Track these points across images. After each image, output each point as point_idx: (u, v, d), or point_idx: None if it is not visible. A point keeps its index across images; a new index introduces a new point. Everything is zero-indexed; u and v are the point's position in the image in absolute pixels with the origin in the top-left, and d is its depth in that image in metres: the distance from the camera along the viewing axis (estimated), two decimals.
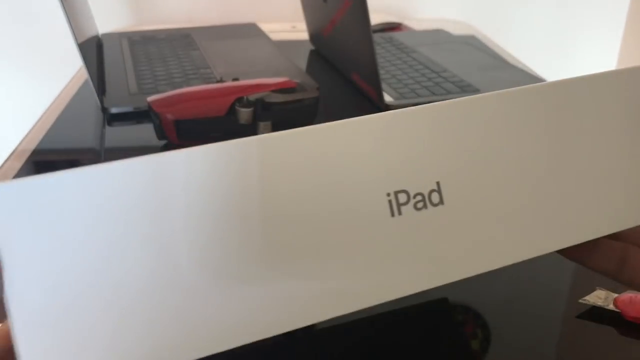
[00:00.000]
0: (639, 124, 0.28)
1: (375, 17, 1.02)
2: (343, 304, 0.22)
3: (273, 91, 0.61)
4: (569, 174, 0.26)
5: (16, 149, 0.64)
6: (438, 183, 0.23)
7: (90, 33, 0.84)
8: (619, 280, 0.31)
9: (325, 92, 0.77)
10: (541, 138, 0.26)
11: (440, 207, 0.23)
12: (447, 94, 0.73)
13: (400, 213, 0.23)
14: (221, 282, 0.21)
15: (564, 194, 0.26)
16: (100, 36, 0.98)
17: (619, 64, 1.29)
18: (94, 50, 0.84)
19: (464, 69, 0.82)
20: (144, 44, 0.94)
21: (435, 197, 0.23)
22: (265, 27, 1.06)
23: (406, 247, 0.23)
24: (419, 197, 0.23)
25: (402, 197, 0.23)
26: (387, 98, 0.71)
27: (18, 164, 0.61)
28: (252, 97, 0.60)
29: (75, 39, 0.67)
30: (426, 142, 0.23)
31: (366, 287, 0.23)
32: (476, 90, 0.74)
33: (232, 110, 0.59)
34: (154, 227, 0.20)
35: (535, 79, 0.79)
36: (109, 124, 0.69)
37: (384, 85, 0.75)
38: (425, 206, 0.23)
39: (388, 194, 0.22)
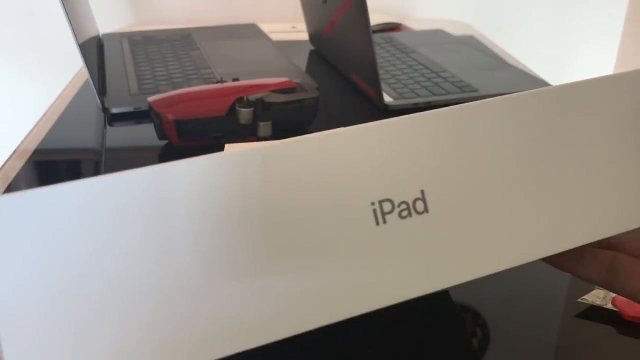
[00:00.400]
0: (637, 128, 0.27)
1: (375, 18, 1.02)
2: (329, 313, 0.22)
3: (273, 91, 0.62)
4: (561, 179, 0.26)
5: (17, 148, 0.65)
6: (423, 192, 0.23)
7: (91, 34, 0.84)
8: (609, 289, 0.31)
9: (325, 92, 0.77)
10: (530, 145, 0.25)
11: (425, 215, 0.23)
12: (446, 94, 0.73)
13: (385, 222, 0.23)
14: (221, 280, 0.21)
15: (557, 199, 0.26)
16: (101, 37, 0.98)
17: (618, 63, 1.30)
18: (94, 51, 0.84)
19: (464, 70, 0.82)
20: (145, 45, 0.95)
21: (420, 206, 0.23)
22: (265, 27, 1.06)
23: (391, 256, 0.23)
24: (403, 206, 0.23)
25: (387, 207, 0.23)
26: (387, 98, 0.72)
27: (20, 164, 0.61)
28: (253, 97, 0.60)
29: (77, 39, 0.67)
30: (411, 151, 0.23)
31: (351, 296, 0.23)
32: (475, 91, 0.74)
33: (232, 111, 0.60)
34: (158, 235, 0.21)
35: (534, 79, 0.79)
36: (110, 124, 0.69)
37: (383, 86, 0.75)
38: (410, 214, 0.23)
39: (373, 204, 0.23)
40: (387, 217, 0.23)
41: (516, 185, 0.25)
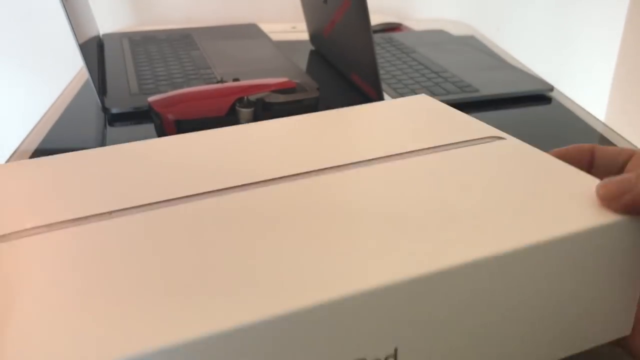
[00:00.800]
0: (607, 274, 0.28)
1: (375, 18, 1.02)
2: None
3: (273, 91, 0.62)
4: (537, 332, 0.28)
5: (17, 149, 0.65)
6: (396, 349, 0.24)
7: (91, 33, 0.84)
8: (630, 351, 0.31)
9: (325, 92, 0.77)
10: (507, 304, 0.26)
11: None
12: (446, 94, 0.73)
13: None
14: None
15: (536, 347, 0.28)
16: (101, 36, 0.98)
17: (618, 63, 1.30)
18: (94, 51, 0.84)
19: (464, 69, 0.82)
20: (145, 44, 0.95)
21: None
22: (265, 27, 1.06)
23: None
24: None
25: None
26: (387, 98, 0.72)
27: None
28: (253, 97, 0.60)
29: (76, 39, 0.67)
30: (389, 314, 0.24)
31: None
32: (475, 90, 0.74)
33: (232, 111, 0.60)
34: None
35: (535, 79, 0.79)
36: (110, 124, 0.69)
37: (384, 86, 0.75)
38: None
39: None
40: None
41: (491, 341, 0.27)
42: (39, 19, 1.14)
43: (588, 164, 0.35)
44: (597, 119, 0.71)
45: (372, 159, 0.34)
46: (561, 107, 0.74)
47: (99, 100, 0.71)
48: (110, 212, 0.29)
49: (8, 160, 0.62)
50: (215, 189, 0.31)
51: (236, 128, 0.40)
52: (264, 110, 0.61)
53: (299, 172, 0.33)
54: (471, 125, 0.39)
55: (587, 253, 0.27)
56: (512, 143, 0.36)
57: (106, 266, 0.25)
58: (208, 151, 0.36)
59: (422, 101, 0.44)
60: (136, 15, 1.20)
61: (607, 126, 0.69)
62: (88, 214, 0.29)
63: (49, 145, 0.65)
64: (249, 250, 0.26)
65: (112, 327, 0.21)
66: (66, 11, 0.65)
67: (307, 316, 0.22)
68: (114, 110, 0.70)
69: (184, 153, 0.36)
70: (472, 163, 0.33)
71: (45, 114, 0.73)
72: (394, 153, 0.35)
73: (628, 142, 0.65)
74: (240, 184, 0.32)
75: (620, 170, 0.34)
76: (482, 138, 0.37)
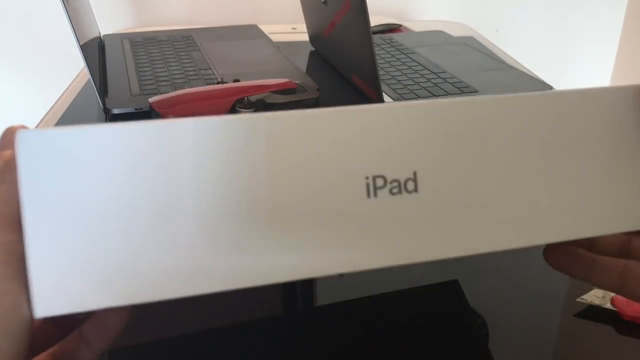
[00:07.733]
0: (623, 140, 0.28)
1: (375, 19, 1.02)
2: (320, 269, 0.25)
3: (274, 92, 0.62)
4: (552, 178, 0.28)
5: None
6: (415, 173, 0.25)
7: (92, 34, 0.84)
8: (624, 295, 0.31)
9: (326, 93, 0.77)
10: (524, 143, 0.27)
11: (414, 194, 0.26)
12: (446, 95, 0.74)
13: (376, 195, 0.25)
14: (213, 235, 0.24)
15: (546, 195, 0.28)
16: (102, 37, 0.98)
17: (616, 65, 1.30)
18: (96, 52, 0.85)
19: (463, 70, 0.83)
20: (146, 45, 0.95)
21: (410, 185, 0.25)
22: (266, 28, 1.06)
23: (379, 226, 0.25)
24: (394, 184, 0.25)
25: (380, 182, 0.25)
26: (387, 99, 0.72)
27: None
28: (253, 97, 0.61)
29: (78, 40, 0.67)
30: (409, 135, 0.25)
31: (341, 256, 0.25)
32: (475, 92, 0.75)
33: (233, 111, 0.60)
34: (161, 185, 0.23)
35: (533, 79, 0.80)
36: None
37: (383, 86, 0.75)
38: (400, 192, 0.25)
39: (367, 177, 0.25)
40: (379, 192, 0.25)
41: (507, 178, 0.27)
42: (40, 20, 1.14)
43: None
44: None
45: None
46: None
47: (100, 101, 0.71)
48: None
49: None
50: None
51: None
52: (265, 110, 0.61)
53: None
54: None
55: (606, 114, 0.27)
56: None
57: None
58: None
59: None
60: (137, 16, 1.21)
61: None
62: None
63: None
64: None
65: None
66: (67, 12, 0.65)
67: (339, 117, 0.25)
68: (115, 111, 0.70)
69: None
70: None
71: (47, 114, 0.74)
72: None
73: None
74: None
75: None
76: None
